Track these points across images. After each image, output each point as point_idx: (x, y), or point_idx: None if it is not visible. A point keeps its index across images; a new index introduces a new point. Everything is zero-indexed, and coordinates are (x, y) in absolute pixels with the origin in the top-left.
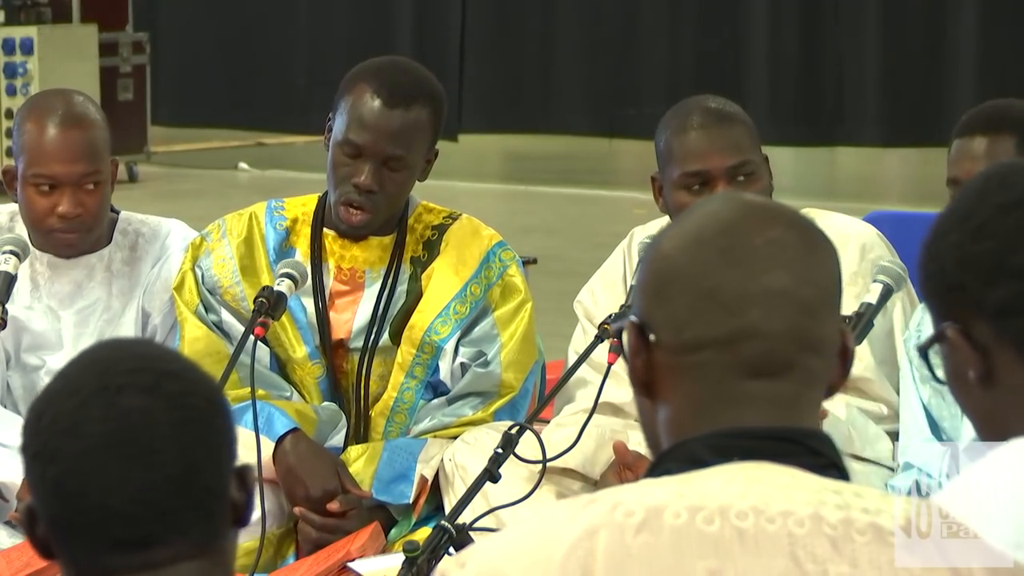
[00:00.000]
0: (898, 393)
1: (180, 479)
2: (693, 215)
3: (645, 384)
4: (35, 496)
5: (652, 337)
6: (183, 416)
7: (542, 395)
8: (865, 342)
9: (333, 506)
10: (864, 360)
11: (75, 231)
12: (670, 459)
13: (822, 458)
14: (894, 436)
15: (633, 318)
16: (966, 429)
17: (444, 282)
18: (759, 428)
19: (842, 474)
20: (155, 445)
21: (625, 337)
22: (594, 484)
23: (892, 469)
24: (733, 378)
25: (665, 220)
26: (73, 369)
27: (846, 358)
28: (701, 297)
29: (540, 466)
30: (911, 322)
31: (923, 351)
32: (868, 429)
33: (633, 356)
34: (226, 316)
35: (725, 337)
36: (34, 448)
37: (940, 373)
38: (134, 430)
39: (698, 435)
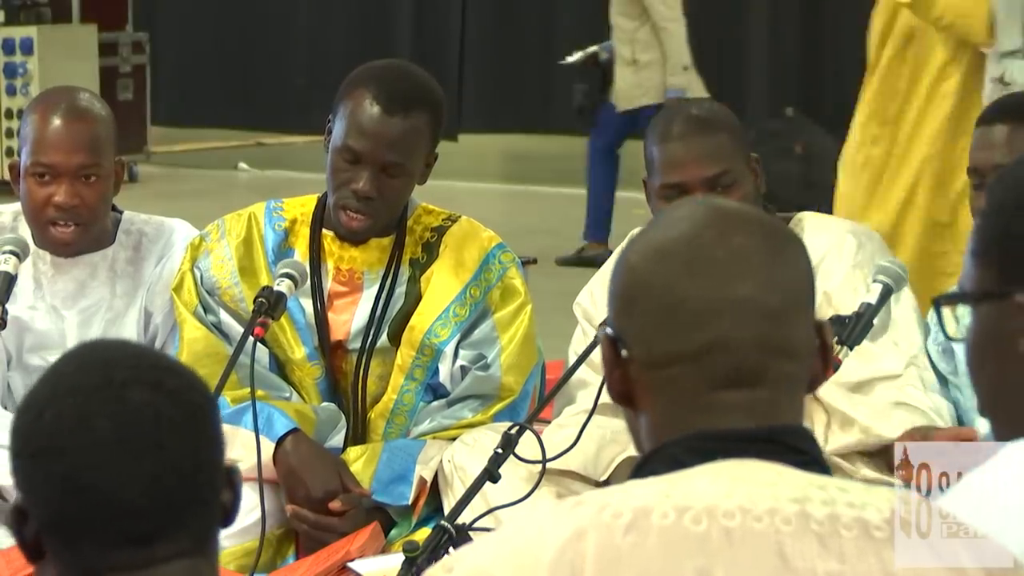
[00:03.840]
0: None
1: (186, 473)
2: (659, 225)
3: (623, 395)
4: (32, 495)
5: (624, 353)
6: (186, 412)
7: (542, 396)
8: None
9: (335, 505)
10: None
11: (71, 224)
12: (656, 460)
13: (804, 455)
14: None
15: (608, 330)
16: (980, 425)
17: (443, 284)
18: (739, 430)
19: (824, 470)
20: (163, 440)
21: (600, 349)
22: (595, 485)
23: None
24: (706, 391)
25: None
26: (68, 368)
27: (826, 353)
28: (667, 312)
29: (540, 466)
30: (930, 320)
31: (947, 301)
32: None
33: (609, 369)
34: (225, 317)
35: (693, 351)
36: (36, 446)
37: (951, 329)
38: (142, 425)
39: (679, 437)
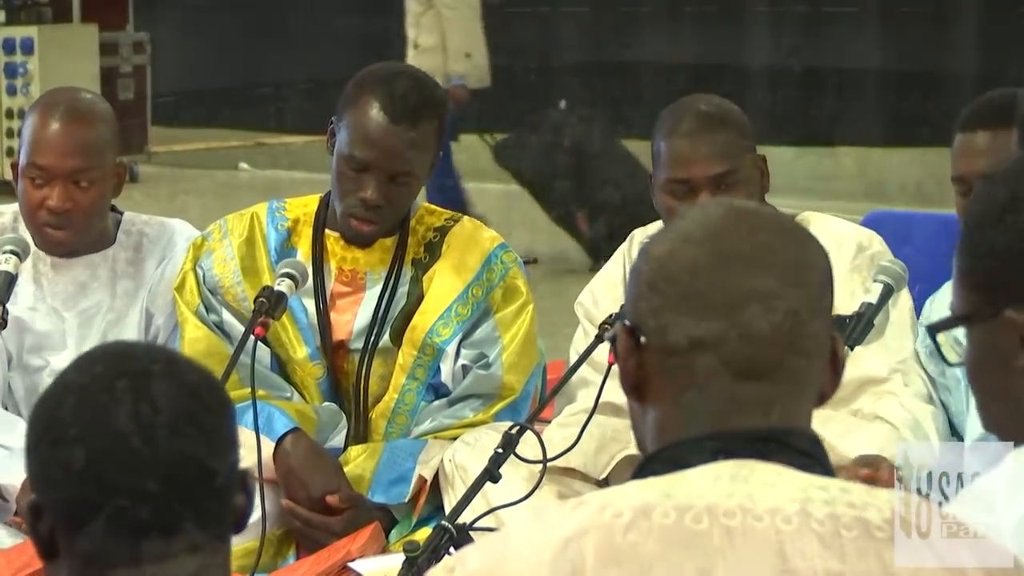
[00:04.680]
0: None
1: (204, 471)
2: (683, 220)
3: (636, 387)
4: (48, 487)
5: (643, 339)
6: (206, 407)
7: (543, 396)
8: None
9: (333, 500)
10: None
11: (63, 228)
12: (657, 461)
13: (807, 457)
14: None
15: (625, 321)
16: (970, 426)
17: (446, 284)
18: (743, 430)
19: (827, 471)
20: (185, 431)
21: (617, 340)
22: (596, 484)
23: None
24: (720, 380)
25: None
26: (87, 364)
27: (836, 364)
28: (689, 299)
29: (540, 466)
30: (921, 319)
31: (941, 328)
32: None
33: (624, 358)
34: (227, 316)
35: (712, 339)
36: (55, 435)
37: (949, 354)
38: (164, 417)
39: (683, 439)
